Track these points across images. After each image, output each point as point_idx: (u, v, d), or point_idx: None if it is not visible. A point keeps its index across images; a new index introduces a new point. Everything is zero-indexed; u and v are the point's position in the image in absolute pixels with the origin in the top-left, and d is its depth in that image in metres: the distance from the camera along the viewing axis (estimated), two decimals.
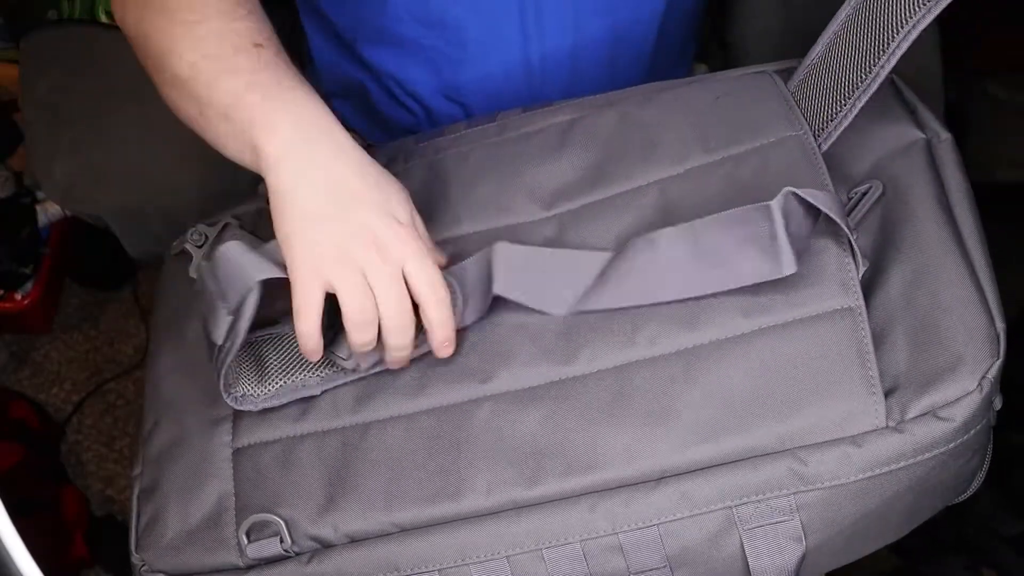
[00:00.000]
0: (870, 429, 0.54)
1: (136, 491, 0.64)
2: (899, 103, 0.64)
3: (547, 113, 0.70)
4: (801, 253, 0.55)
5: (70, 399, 1.45)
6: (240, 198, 0.77)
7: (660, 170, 0.63)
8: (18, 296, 1.43)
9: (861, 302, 0.55)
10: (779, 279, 0.56)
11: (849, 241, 0.57)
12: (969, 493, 0.63)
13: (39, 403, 1.43)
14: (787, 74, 0.66)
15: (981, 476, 0.62)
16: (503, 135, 0.69)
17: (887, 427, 0.54)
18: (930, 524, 0.62)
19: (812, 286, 0.56)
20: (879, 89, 0.62)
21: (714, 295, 0.57)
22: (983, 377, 0.54)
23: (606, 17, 0.78)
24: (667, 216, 0.61)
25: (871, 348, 0.55)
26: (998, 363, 0.54)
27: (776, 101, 0.64)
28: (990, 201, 0.68)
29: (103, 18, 1.03)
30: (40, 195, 1.45)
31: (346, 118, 0.96)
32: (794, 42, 0.67)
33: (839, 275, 0.56)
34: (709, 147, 0.63)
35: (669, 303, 0.58)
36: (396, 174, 0.67)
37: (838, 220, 0.55)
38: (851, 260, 0.56)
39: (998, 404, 0.57)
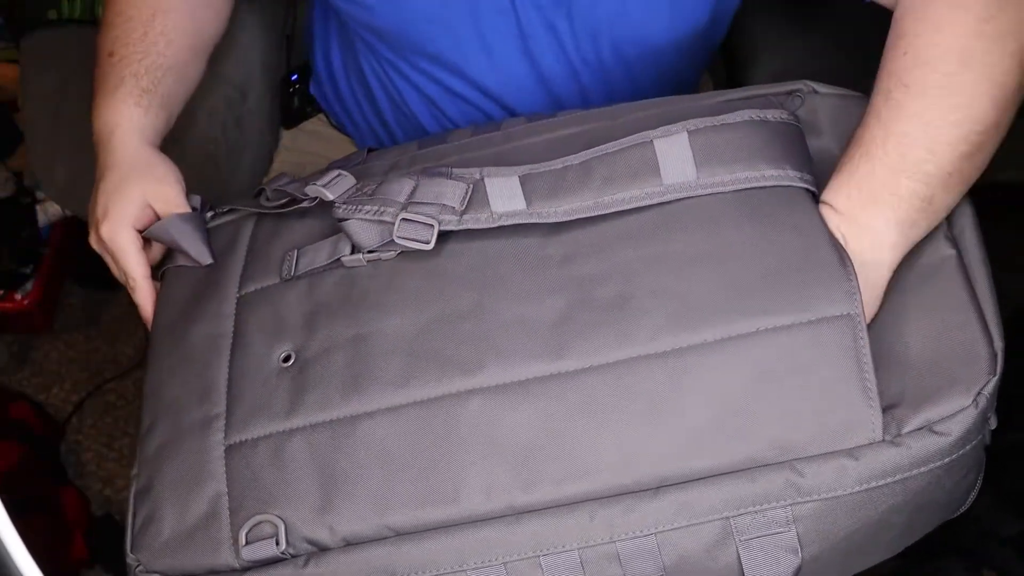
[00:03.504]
0: (867, 442, 0.54)
1: (132, 491, 0.63)
2: None
3: (552, 125, 0.69)
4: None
5: (70, 399, 1.45)
6: (238, 197, 0.77)
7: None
8: (18, 296, 1.43)
9: (860, 309, 0.55)
10: (782, 283, 0.56)
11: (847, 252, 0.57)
12: (963, 510, 0.63)
13: (39, 403, 1.43)
14: (793, 98, 0.66)
15: (974, 495, 0.62)
16: (508, 144, 0.69)
17: (884, 440, 0.54)
18: None
19: (813, 290, 0.56)
20: None
21: (712, 296, 0.57)
22: (979, 393, 0.54)
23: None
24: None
25: (869, 356, 0.55)
26: (994, 380, 0.55)
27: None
28: (990, 201, 0.68)
29: None
30: (40, 195, 1.45)
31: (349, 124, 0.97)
32: (795, 48, 0.68)
33: (841, 282, 0.56)
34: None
35: (667, 299, 0.58)
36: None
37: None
38: (851, 268, 0.56)
39: (993, 423, 0.57)
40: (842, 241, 0.58)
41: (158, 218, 0.72)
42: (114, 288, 1.57)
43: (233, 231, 0.72)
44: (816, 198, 0.60)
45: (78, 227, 1.50)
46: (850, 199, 0.58)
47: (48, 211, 1.45)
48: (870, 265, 0.57)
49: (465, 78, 0.82)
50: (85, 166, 0.77)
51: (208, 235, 0.72)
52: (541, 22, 0.78)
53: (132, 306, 0.73)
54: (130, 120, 0.73)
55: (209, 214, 0.74)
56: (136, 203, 0.71)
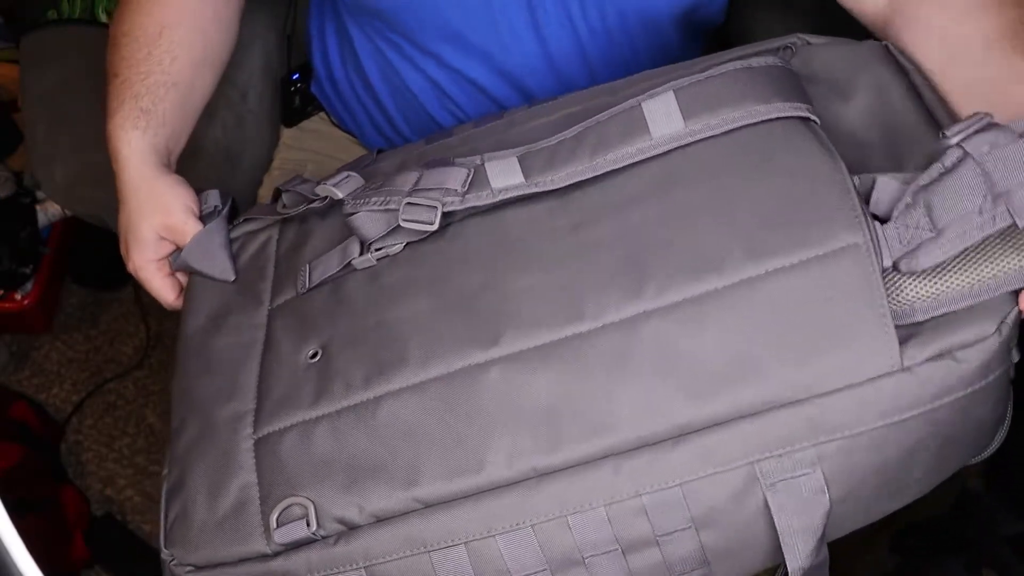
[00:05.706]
0: (886, 371, 0.54)
1: (164, 489, 0.65)
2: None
3: (553, 107, 0.70)
4: None
5: (70, 399, 1.45)
6: (243, 198, 0.77)
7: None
8: (18, 296, 1.43)
9: (867, 237, 0.55)
10: (785, 222, 0.56)
11: (851, 179, 0.56)
12: (992, 450, 0.62)
13: (39, 403, 1.43)
14: (784, 52, 0.67)
15: (1002, 433, 0.61)
16: (511, 129, 0.70)
17: (903, 369, 0.54)
18: (930, 523, 0.62)
19: (817, 225, 0.56)
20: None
21: (717, 244, 0.57)
22: (1002, 322, 0.54)
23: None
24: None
25: (881, 285, 0.54)
26: (1016, 309, 0.54)
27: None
28: None
29: (103, 18, 1.03)
30: (40, 195, 1.45)
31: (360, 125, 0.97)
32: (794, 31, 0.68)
33: (844, 212, 0.56)
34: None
35: (675, 251, 0.58)
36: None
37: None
38: (854, 195, 0.56)
39: (1016, 356, 0.57)
40: None
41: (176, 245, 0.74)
42: (114, 288, 1.58)
43: (261, 243, 0.73)
44: (816, 125, 0.60)
45: (78, 227, 1.50)
46: None
47: (48, 211, 1.45)
48: None
49: (467, 48, 0.83)
50: (85, 166, 0.77)
51: (230, 245, 0.74)
52: None
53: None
54: (128, 144, 0.74)
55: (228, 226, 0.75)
56: (149, 240, 0.74)
